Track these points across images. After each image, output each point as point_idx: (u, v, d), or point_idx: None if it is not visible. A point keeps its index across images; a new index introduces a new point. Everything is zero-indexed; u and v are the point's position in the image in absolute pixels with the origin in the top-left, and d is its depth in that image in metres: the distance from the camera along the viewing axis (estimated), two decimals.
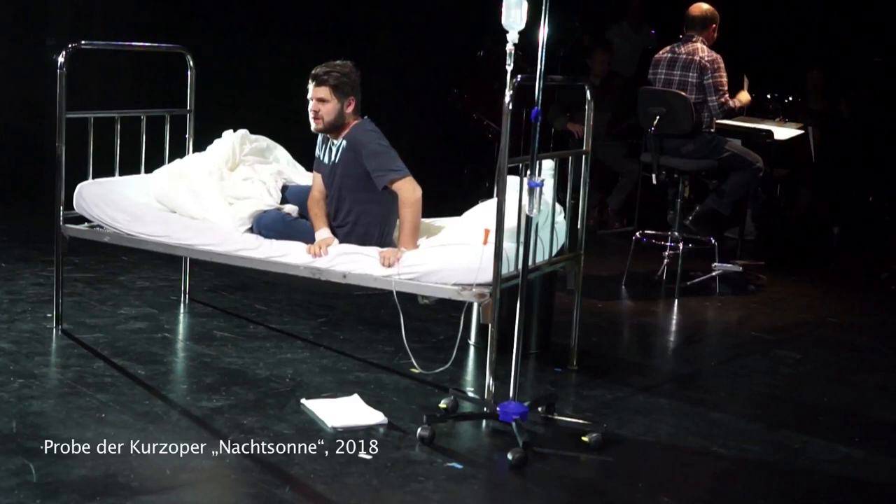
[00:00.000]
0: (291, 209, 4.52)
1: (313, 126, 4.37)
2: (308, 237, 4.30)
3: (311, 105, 4.35)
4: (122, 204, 4.59)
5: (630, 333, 5.61)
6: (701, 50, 6.30)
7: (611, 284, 6.36)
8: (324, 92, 4.31)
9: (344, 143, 4.32)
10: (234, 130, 4.84)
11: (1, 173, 7.86)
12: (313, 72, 4.35)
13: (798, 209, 8.81)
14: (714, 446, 3.76)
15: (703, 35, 6.37)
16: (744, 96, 6.51)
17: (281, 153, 4.96)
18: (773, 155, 7.21)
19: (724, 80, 6.27)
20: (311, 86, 4.34)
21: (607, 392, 4.29)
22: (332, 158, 4.38)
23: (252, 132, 4.91)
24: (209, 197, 4.48)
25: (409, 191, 4.22)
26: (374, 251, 4.14)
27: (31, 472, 3.13)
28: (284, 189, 4.64)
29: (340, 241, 4.29)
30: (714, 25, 6.41)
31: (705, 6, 6.42)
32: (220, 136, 4.87)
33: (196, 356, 4.44)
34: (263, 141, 4.91)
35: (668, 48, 6.50)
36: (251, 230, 4.39)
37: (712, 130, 6.36)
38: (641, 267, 6.60)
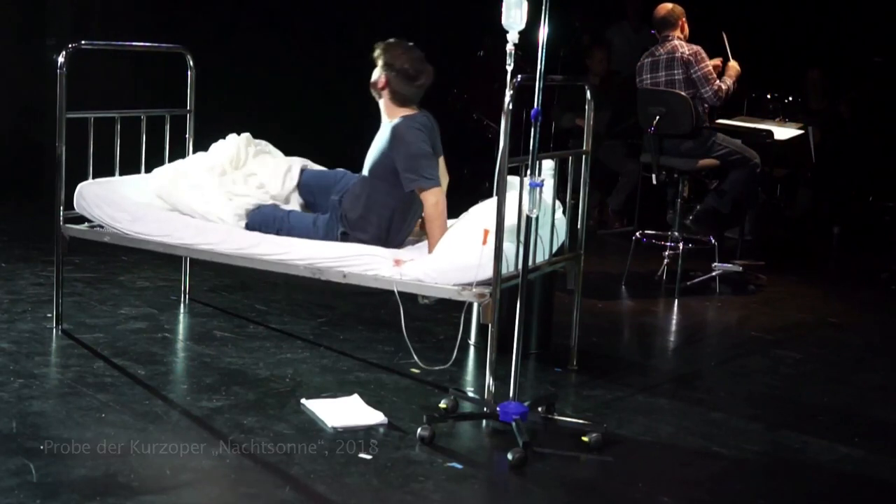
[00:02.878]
0: (296, 200, 4.53)
1: None
2: (296, 232, 4.31)
3: None
4: (122, 204, 4.59)
5: (630, 333, 5.61)
6: (680, 46, 6.34)
7: (611, 284, 6.36)
8: None
9: (389, 131, 4.30)
10: (238, 134, 4.83)
11: (1, 173, 7.86)
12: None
13: (798, 209, 8.81)
14: (714, 446, 3.76)
15: (676, 32, 6.43)
16: (732, 69, 6.48)
17: (277, 155, 4.96)
18: (773, 155, 7.21)
19: (710, 68, 6.30)
20: None
21: (607, 392, 4.29)
22: (377, 139, 4.37)
23: (253, 133, 4.90)
24: (211, 191, 4.48)
25: (431, 204, 4.22)
26: (381, 251, 4.15)
27: (31, 472, 3.13)
28: (302, 172, 4.67)
29: (345, 217, 4.31)
30: (683, 20, 6.47)
31: (669, 4, 6.50)
32: (220, 136, 4.86)
33: (196, 356, 4.44)
34: (266, 146, 4.90)
35: (647, 52, 6.55)
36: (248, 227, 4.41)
37: (707, 126, 6.38)
38: (641, 267, 6.60)
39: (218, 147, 4.77)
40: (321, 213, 4.45)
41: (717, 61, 6.49)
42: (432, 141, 4.33)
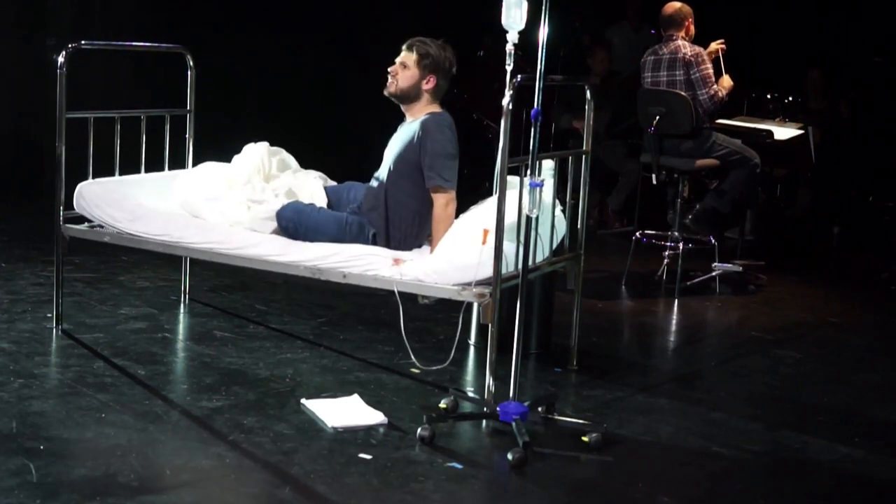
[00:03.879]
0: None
1: (386, 89, 4.36)
2: (326, 227, 4.30)
3: (392, 67, 4.35)
4: (122, 203, 4.58)
5: (630, 333, 5.61)
6: (683, 46, 6.34)
7: (611, 284, 6.36)
8: (409, 58, 4.32)
9: (417, 126, 4.27)
10: (242, 139, 4.81)
11: (1, 173, 7.86)
12: (409, 40, 4.36)
13: (798, 209, 8.81)
14: (714, 446, 3.76)
15: (681, 32, 6.42)
16: (726, 81, 6.49)
17: (294, 164, 4.94)
18: (773, 155, 7.21)
19: (710, 71, 6.30)
20: (402, 51, 4.36)
21: (607, 392, 4.29)
22: (400, 137, 4.36)
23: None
24: (227, 202, 4.45)
25: (441, 205, 4.21)
26: (381, 251, 4.14)
27: (31, 472, 3.13)
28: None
29: (369, 222, 4.31)
30: (690, 20, 6.46)
31: (677, 3, 6.48)
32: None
33: (196, 356, 4.44)
34: (284, 154, 4.87)
35: (650, 50, 6.54)
36: (278, 231, 4.39)
37: (707, 126, 6.38)
38: (641, 267, 6.60)
39: (240, 159, 4.72)
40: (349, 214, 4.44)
41: (720, 44, 6.50)
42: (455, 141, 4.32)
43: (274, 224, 4.39)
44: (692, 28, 6.47)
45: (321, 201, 4.54)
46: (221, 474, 3.26)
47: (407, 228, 4.31)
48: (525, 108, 4.95)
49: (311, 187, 4.61)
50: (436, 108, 4.35)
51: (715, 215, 6.54)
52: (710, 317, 5.94)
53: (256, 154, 4.71)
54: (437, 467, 3.39)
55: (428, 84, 4.32)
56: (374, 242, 4.27)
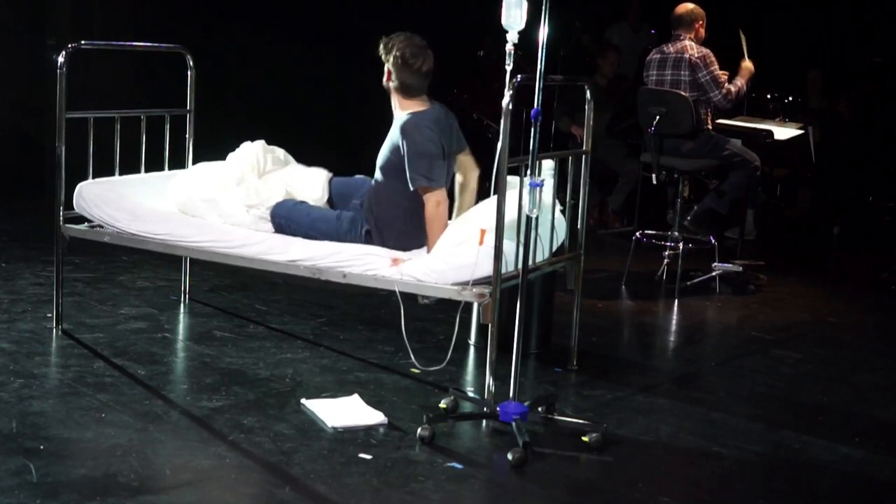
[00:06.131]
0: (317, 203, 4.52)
1: None
2: (320, 224, 4.30)
3: None
4: (121, 203, 4.58)
5: (630, 333, 5.61)
6: (690, 47, 6.34)
7: (611, 284, 6.36)
8: None
9: (398, 126, 4.27)
10: (247, 140, 4.81)
11: (1, 173, 7.86)
12: None
13: (798, 209, 8.82)
14: (714, 446, 3.76)
15: (690, 33, 6.42)
16: (745, 70, 6.47)
17: (290, 160, 4.94)
18: (773, 155, 7.21)
19: (718, 71, 6.30)
20: None
21: (607, 392, 4.29)
22: (388, 138, 4.35)
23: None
24: (224, 204, 4.45)
25: (432, 204, 4.19)
26: (381, 251, 4.14)
27: (31, 472, 3.13)
28: (330, 181, 4.67)
29: (364, 218, 4.31)
30: (700, 22, 6.47)
31: (690, 5, 6.49)
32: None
33: (196, 356, 4.44)
34: (280, 151, 4.87)
35: (656, 49, 6.55)
36: (274, 229, 4.39)
37: (710, 128, 6.38)
38: (641, 267, 6.60)
39: (234, 156, 4.73)
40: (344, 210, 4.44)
41: (724, 74, 6.52)
42: (446, 138, 4.28)
43: (271, 225, 4.39)
44: (702, 31, 6.46)
45: (317, 194, 4.53)
46: (221, 474, 3.26)
47: (400, 227, 4.29)
48: (525, 108, 4.94)
49: (310, 180, 4.59)
50: (419, 106, 4.31)
51: (714, 216, 6.55)
52: (710, 317, 5.93)
53: (252, 151, 4.71)
54: (437, 467, 3.39)
55: (388, 81, 4.33)
56: (369, 239, 4.27)
